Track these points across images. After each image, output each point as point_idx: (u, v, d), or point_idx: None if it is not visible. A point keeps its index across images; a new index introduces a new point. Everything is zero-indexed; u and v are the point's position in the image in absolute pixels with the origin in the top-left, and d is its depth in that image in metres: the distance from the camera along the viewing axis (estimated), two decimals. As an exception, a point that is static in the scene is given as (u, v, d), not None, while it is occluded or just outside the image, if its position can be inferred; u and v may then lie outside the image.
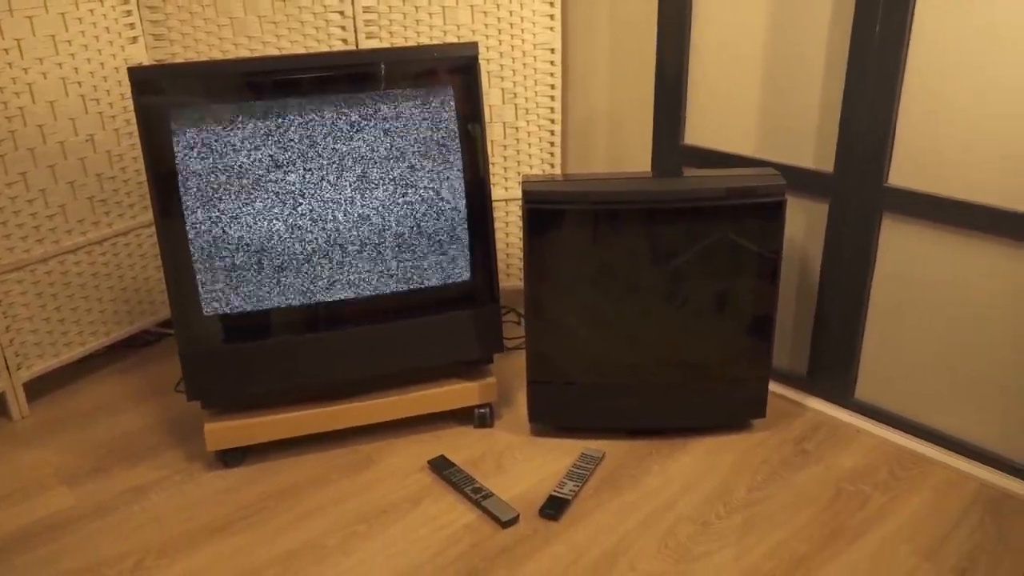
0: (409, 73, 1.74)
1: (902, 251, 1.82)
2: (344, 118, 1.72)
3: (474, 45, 1.78)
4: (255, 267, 1.75)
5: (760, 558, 1.57)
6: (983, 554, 1.57)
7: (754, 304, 1.82)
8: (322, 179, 1.74)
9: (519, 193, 2.41)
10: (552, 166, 2.40)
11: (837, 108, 1.83)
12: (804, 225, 1.98)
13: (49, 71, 1.98)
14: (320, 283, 1.80)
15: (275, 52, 2.16)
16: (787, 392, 2.10)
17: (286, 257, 1.76)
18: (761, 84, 1.96)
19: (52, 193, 2.04)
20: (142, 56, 2.14)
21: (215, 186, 1.68)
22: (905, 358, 1.88)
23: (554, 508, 1.69)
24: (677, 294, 1.81)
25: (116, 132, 2.15)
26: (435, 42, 2.22)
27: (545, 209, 1.76)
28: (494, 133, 2.33)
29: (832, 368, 2.01)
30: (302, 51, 2.17)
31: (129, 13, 2.10)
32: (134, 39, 2.12)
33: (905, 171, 1.77)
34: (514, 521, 1.67)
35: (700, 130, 2.12)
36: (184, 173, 1.66)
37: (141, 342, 2.44)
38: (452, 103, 1.78)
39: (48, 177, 2.03)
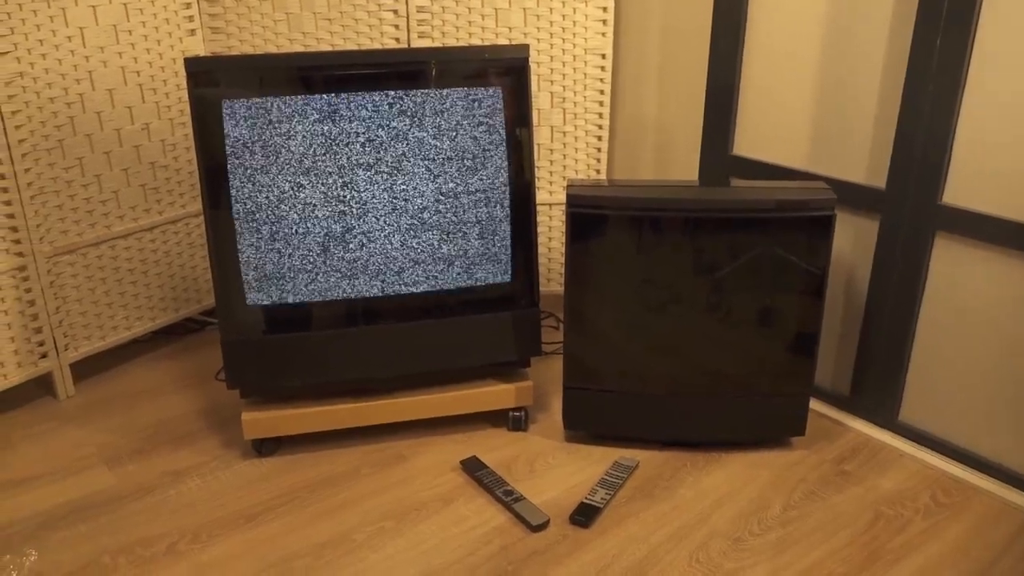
0: (460, 73, 1.75)
1: (954, 271, 1.77)
2: (393, 116, 1.73)
3: (525, 47, 1.78)
4: (300, 260, 1.77)
5: (793, 578, 1.54)
6: (1027, 588, 1.52)
7: (798, 320, 1.79)
8: (369, 175, 1.75)
9: (563, 197, 2.40)
10: (598, 171, 2.39)
11: (892, 123, 1.79)
12: (853, 241, 1.94)
13: (109, 60, 2.02)
14: (363, 278, 1.81)
15: (329, 48, 2.19)
16: (828, 411, 2.05)
17: (330, 251, 1.77)
18: (814, 96, 1.93)
19: (107, 179, 2.09)
20: (199, 48, 2.18)
21: (264, 178, 1.71)
22: (953, 381, 1.83)
23: (585, 515, 1.68)
24: (719, 306, 1.79)
25: (171, 122, 2.19)
26: (486, 43, 2.22)
27: (589, 214, 1.75)
28: (541, 136, 2.33)
29: (876, 389, 1.96)
30: (355, 48, 2.19)
31: (188, 6, 2.14)
32: (192, 31, 2.17)
33: (961, 190, 1.72)
34: (544, 526, 1.66)
35: (750, 141, 2.09)
36: (234, 164, 1.69)
37: (185, 329, 2.48)
38: (501, 105, 1.78)
39: (104, 163, 2.08)
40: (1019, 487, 1.76)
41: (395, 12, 2.17)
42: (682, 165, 2.31)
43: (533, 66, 2.25)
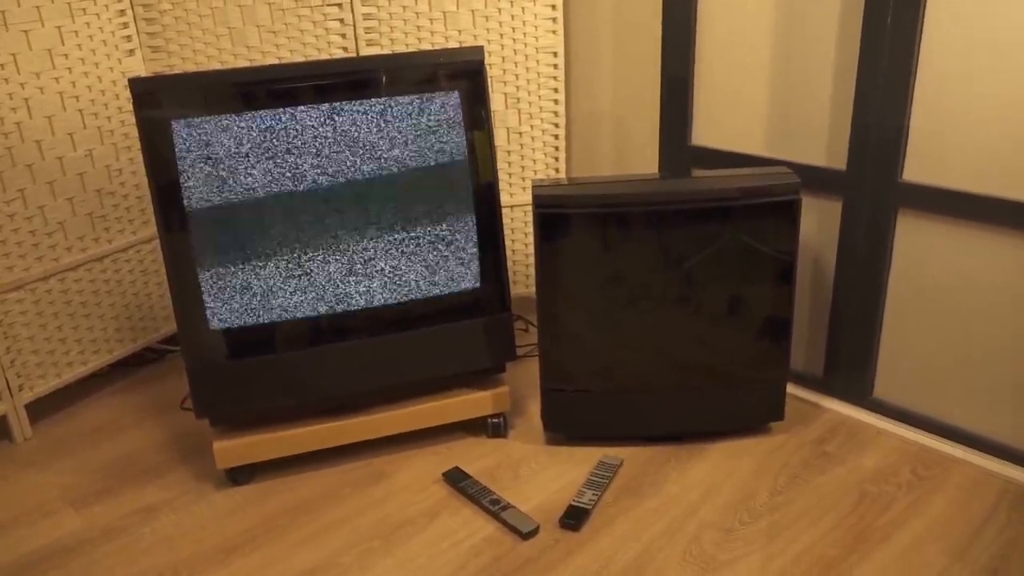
0: (415, 79, 1.72)
1: (919, 247, 1.80)
2: (349, 126, 1.69)
3: (479, 49, 1.75)
4: (261, 280, 1.71)
5: (788, 563, 1.54)
6: (1015, 552, 1.54)
7: (770, 306, 1.79)
8: (328, 188, 1.70)
9: (524, 199, 2.38)
10: (556, 170, 2.38)
11: (849, 104, 1.81)
12: (817, 223, 1.96)
13: (46, 85, 1.94)
14: (329, 294, 1.76)
15: (274, 61, 2.13)
16: (803, 393, 2.07)
17: (293, 269, 1.72)
18: (770, 81, 1.94)
19: (51, 210, 2.00)
20: (140, 68, 2.11)
21: (220, 198, 1.65)
22: (923, 356, 1.86)
23: (574, 518, 1.66)
24: (692, 298, 1.78)
25: (115, 146, 2.11)
26: (437, 47, 2.19)
27: (557, 213, 1.73)
28: (498, 138, 2.30)
29: (849, 368, 1.98)
30: (301, 60, 2.14)
31: (126, 25, 2.07)
32: (131, 51, 2.09)
33: (921, 166, 1.75)
34: (535, 532, 1.64)
35: (708, 130, 2.10)
36: (188, 185, 1.63)
37: (144, 359, 2.40)
38: (459, 109, 1.75)
39: (47, 193, 1.99)
40: (995, 455, 1.78)
41: (341, 21, 2.12)
42: (641, 159, 2.31)
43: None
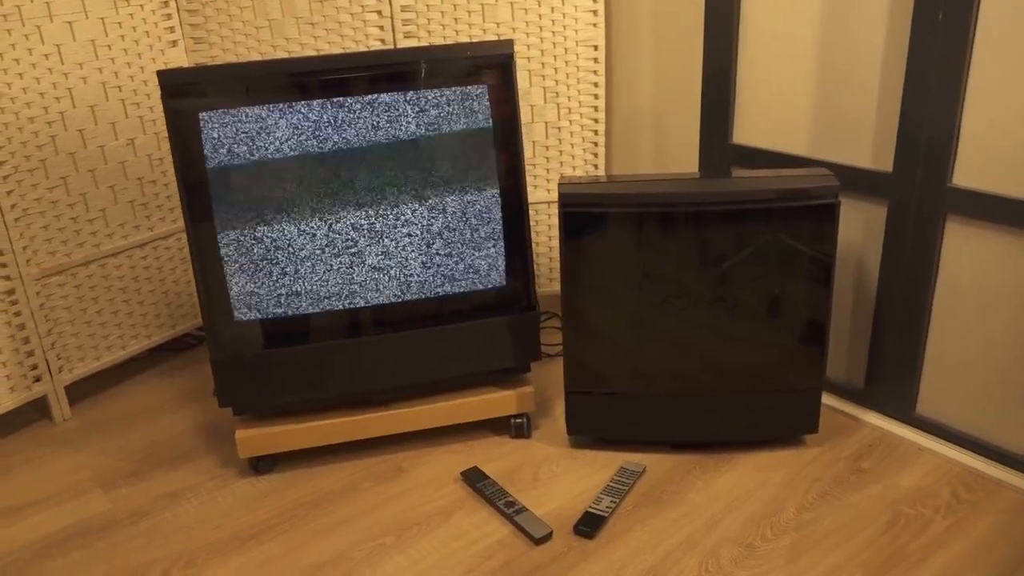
0: (443, 72, 1.69)
1: (968, 256, 1.69)
2: (376, 119, 1.67)
3: (509, 43, 1.72)
4: (286, 272, 1.72)
5: (809, 585, 1.47)
6: (1057, 587, 1.44)
7: (806, 311, 1.72)
8: (354, 181, 1.69)
9: (562, 195, 2.34)
10: (596, 167, 2.33)
11: (896, 103, 1.71)
12: (861, 228, 1.86)
13: (89, 76, 1.98)
14: (353, 289, 1.76)
15: (313, 53, 2.14)
16: (842, 406, 1.98)
17: (318, 262, 1.72)
18: (814, 79, 1.85)
19: (93, 197, 2.05)
20: (182, 59, 2.14)
21: (247, 190, 1.66)
22: (971, 371, 1.75)
23: (589, 525, 1.62)
24: (724, 301, 1.72)
25: (156, 136, 2.15)
26: (474, 40, 2.16)
27: (582, 212, 1.68)
28: (536, 134, 2.26)
29: (891, 381, 1.88)
30: (339, 51, 2.14)
31: (169, 17, 2.10)
32: (174, 43, 2.12)
33: (972, 171, 1.64)
34: (547, 538, 1.60)
35: (749, 128, 2.02)
36: (215, 177, 1.64)
37: (183, 345, 2.44)
38: (487, 103, 1.72)
39: (89, 181, 2.04)
40: (1045, 479, 1.68)
41: (379, 13, 2.11)
42: (682, 156, 2.24)
43: (524, 61, 2.19)
